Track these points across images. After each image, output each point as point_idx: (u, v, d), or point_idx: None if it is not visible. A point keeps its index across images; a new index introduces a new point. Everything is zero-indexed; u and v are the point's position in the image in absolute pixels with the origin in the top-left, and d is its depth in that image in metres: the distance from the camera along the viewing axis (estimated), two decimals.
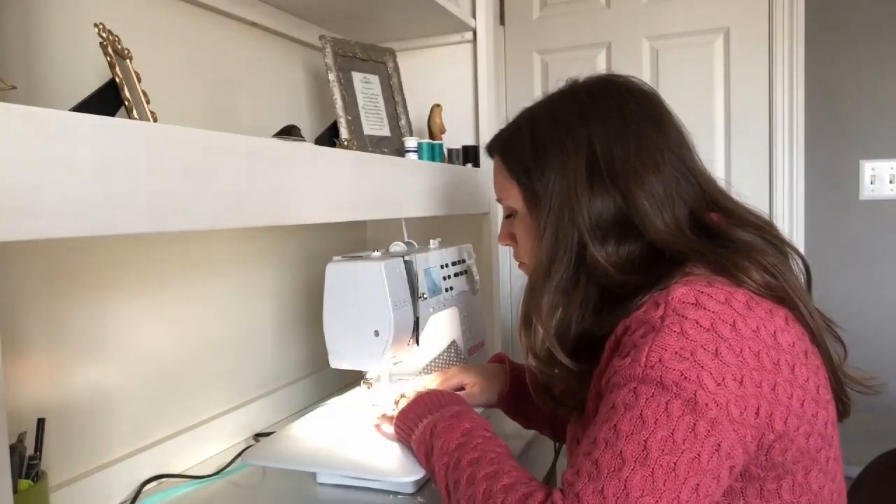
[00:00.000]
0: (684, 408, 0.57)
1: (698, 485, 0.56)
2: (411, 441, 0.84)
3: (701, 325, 0.61)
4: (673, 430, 0.57)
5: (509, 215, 0.85)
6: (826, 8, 1.97)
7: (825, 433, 0.66)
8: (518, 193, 0.80)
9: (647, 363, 0.60)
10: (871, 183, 1.97)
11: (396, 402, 0.93)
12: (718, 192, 0.77)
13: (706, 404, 0.57)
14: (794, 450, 0.63)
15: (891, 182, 1.96)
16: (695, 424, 0.57)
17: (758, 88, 2.04)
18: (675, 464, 0.56)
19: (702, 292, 0.63)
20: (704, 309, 0.62)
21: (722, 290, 0.64)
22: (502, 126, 0.85)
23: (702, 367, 0.59)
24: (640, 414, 0.58)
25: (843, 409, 0.74)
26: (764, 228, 0.74)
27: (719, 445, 0.57)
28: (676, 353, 0.59)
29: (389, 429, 0.91)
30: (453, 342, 1.16)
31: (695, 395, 0.58)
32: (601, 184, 0.72)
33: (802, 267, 0.75)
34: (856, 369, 0.75)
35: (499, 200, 0.86)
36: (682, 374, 0.58)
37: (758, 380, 0.60)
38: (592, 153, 0.73)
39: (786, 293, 0.67)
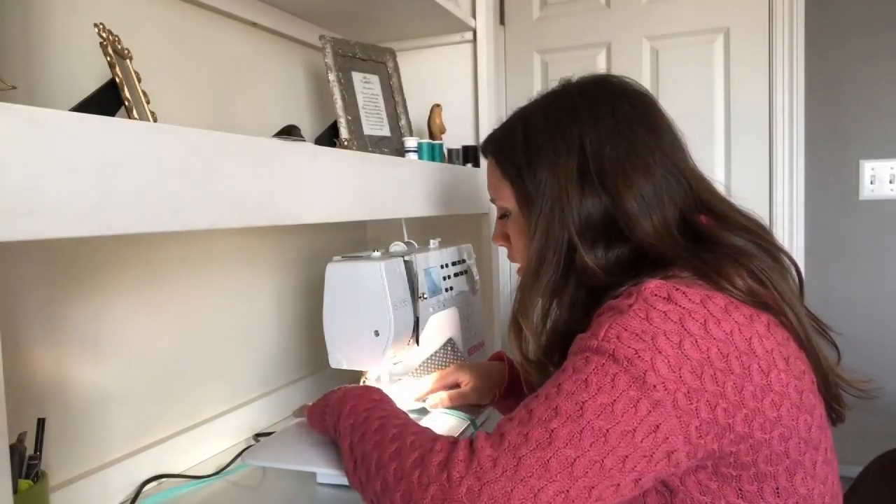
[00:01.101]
0: (631, 383, 0.57)
1: (626, 457, 0.56)
2: (321, 425, 0.84)
3: (668, 317, 0.60)
4: (614, 399, 0.57)
5: (503, 216, 0.85)
6: (826, 8, 1.98)
7: (809, 437, 0.65)
8: (511, 194, 0.80)
9: (605, 337, 0.60)
10: (871, 183, 1.97)
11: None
12: (711, 195, 0.76)
13: (654, 385, 0.57)
14: (768, 452, 0.62)
15: (891, 182, 1.96)
16: (638, 401, 0.57)
17: (758, 88, 2.04)
18: (607, 430, 0.56)
19: (676, 289, 0.62)
20: (675, 304, 0.61)
21: (699, 292, 0.63)
22: (502, 120, 0.85)
23: (658, 351, 0.58)
24: (586, 379, 0.59)
25: (835, 415, 0.73)
26: (756, 233, 0.73)
27: (657, 426, 0.57)
28: (636, 334, 0.59)
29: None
30: (450, 340, 1.16)
31: (644, 374, 0.57)
32: (591, 185, 0.72)
33: (794, 273, 0.75)
34: (851, 371, 0.74)
35: (492, 201, 0.86)
36: (636, 352, 0.58)
37: (721, 380, 0.59)
38: (583, 154, 0.73)
39: (772, 299, 0.66)
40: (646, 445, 0.57)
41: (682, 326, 0.60)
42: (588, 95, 0.77)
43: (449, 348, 1.15)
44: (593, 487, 0.55)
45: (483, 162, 1.46)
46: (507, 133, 0.82)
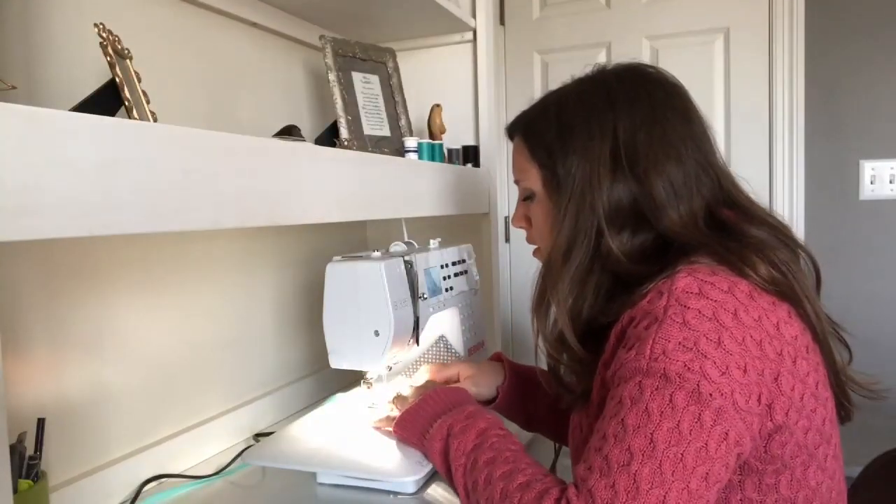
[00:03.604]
0: (689, 399, 0.58)
1: (707, 473, 0.57)
2: (422, 442, 0.83)
3: (703, 315, 0.61)
4: (678, 421, 0.57)
5: (527, 198, 0.84)
6: (826, 8, 1.97)
7: (823, 430, 0.66)
8: (538, 176, 0.79)
9: (652, 355, 0.60)
10: (871, 183, 1.97)
11: (393, 402, 0.93)
12: (736, 189, 0.77)
13: (710, 394, 0.58)
14: (793, 443, 0.63)
15: (891, 182, 1.96)
16: (700, 414, 0.58)
17: (758, 88, 2.04)
18: (682, 454, 0.56)
19: (705, 281, 0.63)
20: (707, 298, 0.62)
21: (725, 279, 0.64)
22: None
23: (705, 356, 0.59)
24: (646, 408, 0.59)
25: (844, 413, 0.74)
26: (778, 228, 0.74)
27: (727, 434, 0.58)
28: (680, 343, 0.60)
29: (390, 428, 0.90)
30: (441, 337, 1.16)
31: (698, 385, 0.58)
32: (622, 171, 0.72)
33: (812, 269, 0.75)
34: (860, 373, 0.75)
35: (516, 182, 0.85)
36: (685, 365, 0.59)
37: (760, 368, 0.61)
38: (616, 140, 0.73)
39: (791, 290, 0.67)
40: (721, 455, 0.58)
41: (718, 321, 0.61)
42: (625, 82, 0.77)
43: (441, 346, 1.15)
44: None
45: (483, 162, 1.48)
46: (539, 115, 0.81)
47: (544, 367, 0.83)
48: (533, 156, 0.80)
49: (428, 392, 0.88)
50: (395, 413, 0.90)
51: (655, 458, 0.56)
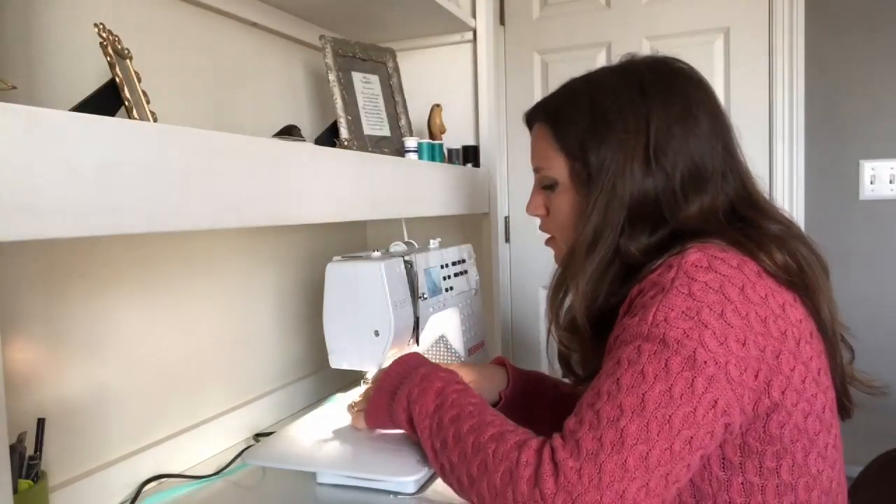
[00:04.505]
0: (683, 364, 0.59)
1: (692, 437, 0.58)
2: (391, 420, 0.83)
3: (709, 287, 0.62)
4: (671, 385, 0.59)
5: (546, 186, 0.82)
6: (826, 8, 1.98)
7: (823, 417, 0.67)
8: (564, 166, 0.78)
9: (654, 321, 0.61)
10: (871, 183, 1.97)
11: (355, 405, 0.94)
12: (756, 192, 0.77)
13: (705, 361, 0.59)
14: (791, 425, 0.64)
15: (891, 182, 1.96)
16: (693, 380, 0.59)
17: (758, 88, 2.04)
18: (670, 416, 0.58)
19: (715, 257, 0.64)
20: (715, 272, 0.63)
21: (735, 255, 0.65)
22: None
23: (705, 326, 0.60)
24: (642, 370, 0.60)
25: (844, 411, 0.74)
26: (792, 228, 0.74)
27: (716, 402, 0.59)
28: (683, 312, 0.61)
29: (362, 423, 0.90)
30: (442, 337, 1.16)
31: (694, 352, 0.59)
32: (650, 164, 0.72)
33: (825, 269, 0.75)
34: (861, 372, 0.76)
35: (537, 170, 0.83)
36: (684, 332, 0.60)
37: (762, 344, 0.62)
38: (648, 132, 0.72)
39: (803, 282, 0.68)
40: (707, 422, 0.59)
41: (723, 294, 0.62)
42: (659, 74, 0.76)
43: (441, 346, 1.15)
44: (668, 474, 0.58)
45: (483, 162, 1.48)
46: (569, 104, 0.79)
47: (554, 353, 0.84)
48: (561, 145, 0.78)
49: (379, 373, 0.89)
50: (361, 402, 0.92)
51: (644, 417, 0.58)
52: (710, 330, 0.60)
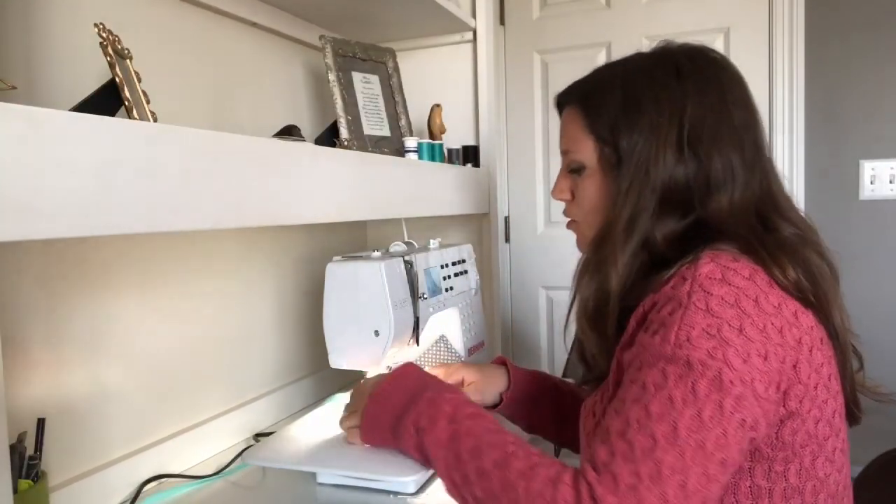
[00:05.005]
0: (710, 386, 0.59)
1: (724, 459, 0.58)
2: (393, 442, 0.79)
3: (726, 301, 0.62)
4: (699, 409, 0.58)
5: (574, 170, 0.81)
6: (826, 8, 1.98)
7: (833, 422, 0.67)
8: (594, 149, 0.77)
9: (676, 342, 0.61)
10: (871, 183, 1.98)
11: (346, 420, 0.89)
12: (781, 191, 0.77)
13: (731, 381, 0.59)
14: (803, 432, 0.64)
15: (891, 182, 1.96)
16: (721, 402, 0.58)
17: (758, 88, 2.02)
18: (703, 441, 0.57)
19: (727, 268, 0.64)
20: (730, 285, 0.63)
21: (746, 265, 0.65)
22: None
23: (727, 343, 0.60)
24: (670, 395, 0.60)
25: (852, 418, 0.75)
26: (807, 232, 0.75)
27: (744, 420, 0.59)
28: (703, 330, 0.60)
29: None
30: (442, 337, 1.16)
31: (720, 372, 0.59)
32: (683, 151, 0.71)
33: (835, 275, 0.75)
34: (868, 380, 0.76)
35: (564, 153, 0.82)
36: (708, 353, 0.60)
37: (782, 355, 0.62)
38: (682, 119, 0.71)
39: (817, 297, 0.68)
40: (737, 441, 0.59)
41: (740, 308, 0.62)
42: (695, 61, 0.75)
43: (441, 345, 1.15)
44: (706, 499, 0.57)
45: (483, 162, 1.48)
46: (602, 87, 0.78)
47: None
48: (591, 128, 0.77)
49: (378, 388, 0.83)
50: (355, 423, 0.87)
51: (678, 446, 0.57)
52: (733, 348, 0.60)
